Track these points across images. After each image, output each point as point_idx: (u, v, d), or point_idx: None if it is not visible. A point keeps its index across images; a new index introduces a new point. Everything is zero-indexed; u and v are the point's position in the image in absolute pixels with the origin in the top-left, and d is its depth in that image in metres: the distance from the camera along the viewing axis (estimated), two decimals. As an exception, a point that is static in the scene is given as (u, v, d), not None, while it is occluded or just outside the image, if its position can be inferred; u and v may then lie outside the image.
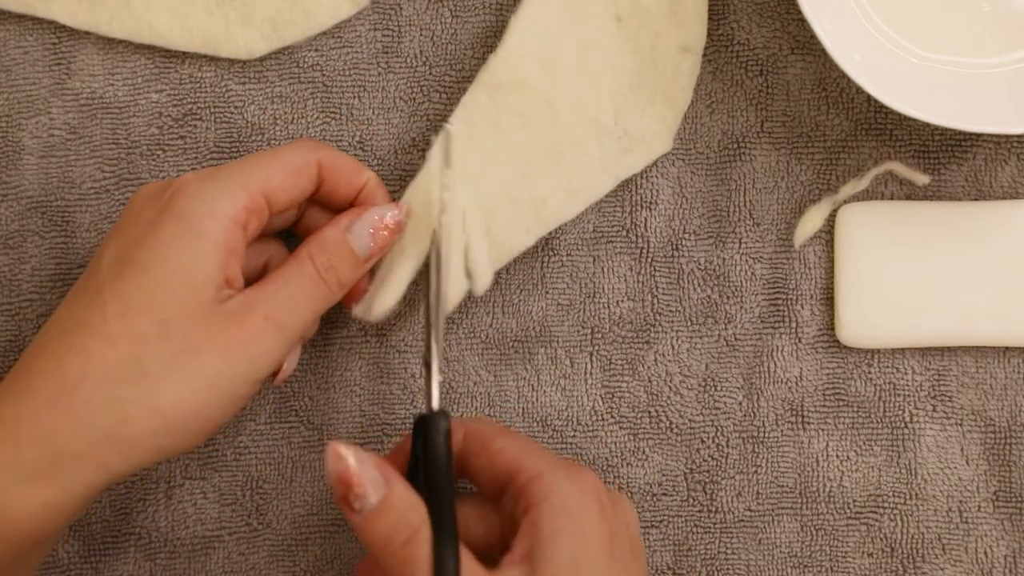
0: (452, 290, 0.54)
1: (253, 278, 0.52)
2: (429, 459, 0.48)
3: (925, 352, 0.57)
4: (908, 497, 0.57)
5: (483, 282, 0.54)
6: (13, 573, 0.47)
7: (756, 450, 0.57)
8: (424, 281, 0.53)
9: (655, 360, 0.57)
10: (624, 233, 0.57)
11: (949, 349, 0.57)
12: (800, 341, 0.57)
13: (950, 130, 0.56)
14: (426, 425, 0.48)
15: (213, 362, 0.47)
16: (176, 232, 0.48)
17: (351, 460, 0.45)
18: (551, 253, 0.57)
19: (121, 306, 0.47)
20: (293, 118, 0.57)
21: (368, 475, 0.46)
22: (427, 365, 0.50)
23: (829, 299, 0.57)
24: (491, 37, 0.57)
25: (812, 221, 0.56)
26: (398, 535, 0.46)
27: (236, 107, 0.57)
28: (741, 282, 0.57)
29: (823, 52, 0.54)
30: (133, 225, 0.49)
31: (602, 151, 0.55)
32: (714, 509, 0.57)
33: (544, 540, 0.46)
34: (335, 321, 0.57)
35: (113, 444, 0.47)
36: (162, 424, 0.47)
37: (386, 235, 0.52)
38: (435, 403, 0.49)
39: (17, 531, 0.46)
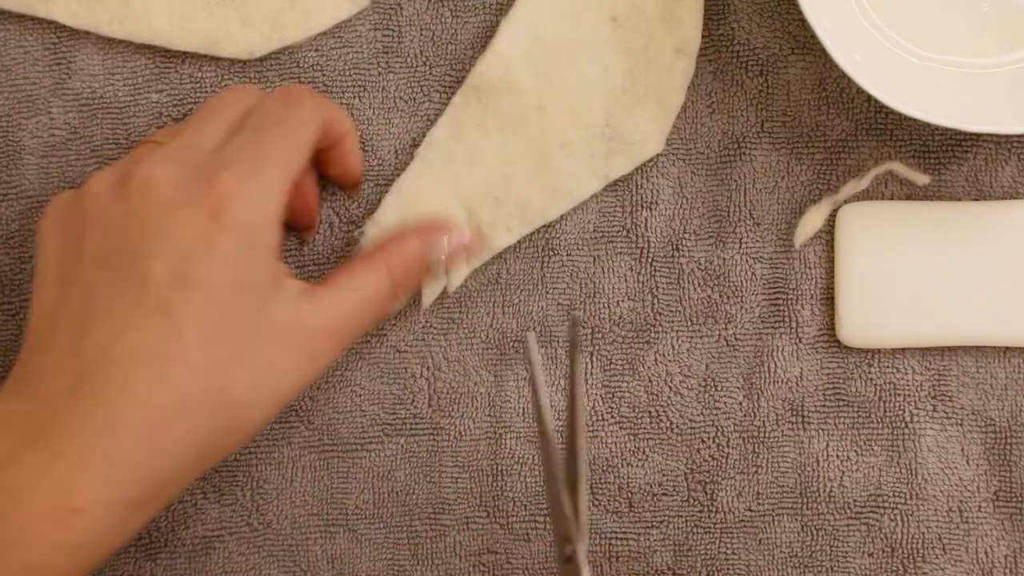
0: (428, 289, 0.56)
1: None
2: None
3: (925, 352, 0.57)
4: (908, 497, 0.57)
5: (456, 280, 0.56)
6: None
7: (756, 450, 0.57)
8: (545, 458, 0.49)
9: (655, 360, 0.57)
10: (624, 233, 0.57)
11: (949, 349, 0.57)
12: (800, 341, 0.57)
13: (950, 130, 0.56)
14: None
15: (288, 382, 0.48)
16: (237, 247, 0.47)
17: None
18: (551, 253, 0.57)
19: (198, 333, 0.46)
20: (293, 118, 0.57)
21: None
22: (567, 558, 0.46)
23: (829, 299, 0.57)
24: (491, 37, 0.57)
25: (812, 221, 0.56)
26: None
27: (236, 107, 0.57)
28: (741, 282, 0.57)
29: (823, 52, 0.54)
30: (179, 231, 0.47)
31: (591, 153, 0.55)
32: (714, 509, 0.57)
33: None
34: (335, 321, 0.57)
35: (199, 466, 0.47)
36: (239, 440, 0.48)
37: (458, 258, 0.54)
38: None
39: (104, 558, 0.46)
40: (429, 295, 0.56)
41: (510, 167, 0.55)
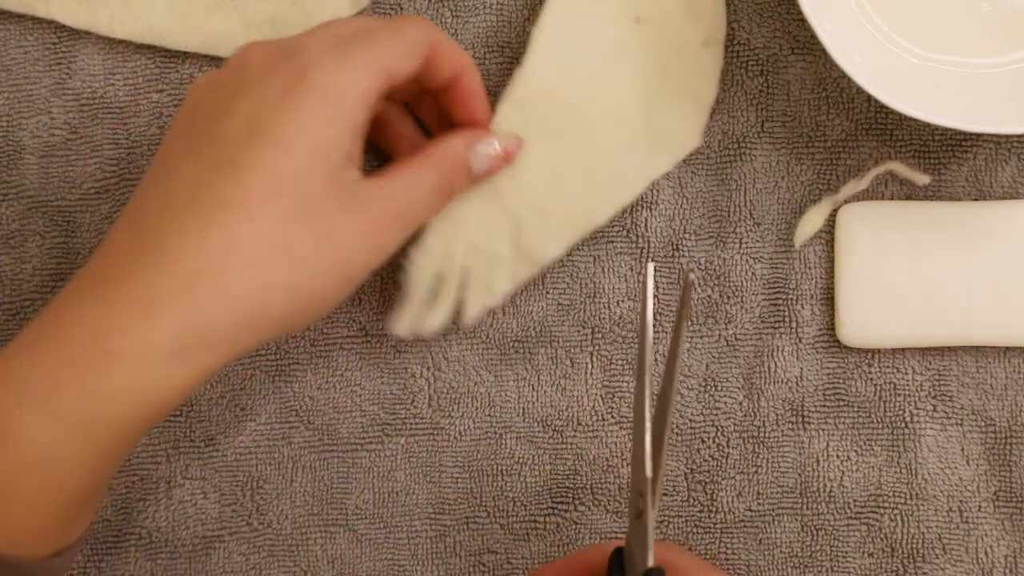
0: (472, 310, 0.55)
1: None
2: None
3: (925, 352, 0.57)
4: (908, 497, 0.57)
5: (494, 301, 0.55)
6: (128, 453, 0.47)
7: (756, 450, 0.57)
8: (636, 403, 0.47)
9: (656, 360, 0.57)
10: (624, 233, 0.57)
11: (949, 349, 0.57)
12: (800, 341, 0.57)
13: (950, 130, 0.56)
14: None
15: (351, 249, 0.47)
16: (316, 108, 0.46)
17: None
18: (551, 253, 0.57)
19: (264, 183, 0.45)
20: (293, 118, 0.57)
21: None
22: (637, 515, 0.45)
23: (829, 299, 0.57)
24: (491, 37, 0.57)
25: (812, 221, 0.56)
26: None
27: (236, 107, 0.57)
28: (741, 282, 0.57)
29: (823, 52, 0.54)
30: (259, 91, 0.47)
31: (633, 154, 0.55)
32: (714, 509, 0.57)
33: None
34: (335, 321, 0.57)
35: (253, 325, 0.45)
36: (300, 306, 0.46)
37: (501, 162, 0.53)
38: (650, 559, 0.44)
39: (153, 413, 0.45)
40: (473, 315, 0.55)
41: (555, 176, 0.54)
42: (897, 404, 0.57)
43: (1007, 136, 0.56)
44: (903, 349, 0.57)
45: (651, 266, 0.47)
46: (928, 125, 0.56)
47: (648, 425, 0.45)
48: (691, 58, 0.55)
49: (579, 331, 0.57)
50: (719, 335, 0.57)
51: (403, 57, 0.49)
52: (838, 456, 0.57)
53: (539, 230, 0.54)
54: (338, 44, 0.48)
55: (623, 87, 0.55)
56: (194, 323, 0.44)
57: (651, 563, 0.44)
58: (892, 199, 0.57)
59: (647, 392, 0.45)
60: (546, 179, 0.54)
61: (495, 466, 0.57)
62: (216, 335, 0.45)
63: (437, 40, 0.50)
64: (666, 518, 0.57)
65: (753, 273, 0.57)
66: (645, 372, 0.45)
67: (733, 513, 0.57)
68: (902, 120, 0.57)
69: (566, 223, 0.55)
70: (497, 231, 0.54)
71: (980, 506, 0.56)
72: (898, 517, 0.57)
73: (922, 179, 0.56)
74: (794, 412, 0.57)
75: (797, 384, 0.57)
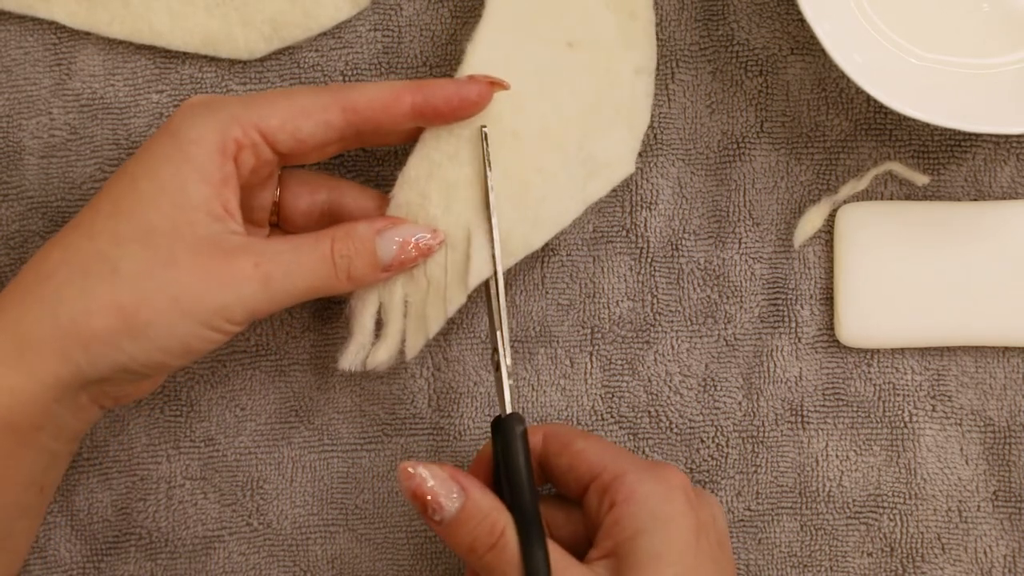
0: (412, 342, 0.53)
1: (315, 215, 0.53)
2: (508, 461, 0.49)
3: (925, 352, 0.57)
4: (908, 497, 0.57)
5: (417, 346, 0.53)
6: (9, 467, 0.48)
7: (756, 450, 0.57)
8: (484, 284, 0.52)
9: (655, 360, 0.57)
10: (624, 233, 0.57)
11: (949, 349, 0.57)
12: (800, 341, 0.57)
13: (950, 130, 0.56)
14: (501, 428, 0.49)
15: (188, 281, 0.47)
16: (166, 151, 0.49)
17: (423, 475, 0.47)
18: (551, 253, 0.57)
19: (111, 208, 0.48)
20: (293, 118, 0.57)
21: (442, 487, 0.47)
22: (497, 368, 0.51)
23: (829, 299, 0.57)
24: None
25: (812, 221, 0.57)
26: (482, 540, 0.47)
27: (236, 107, 0.57)
28: (741, 282, 0.57)
29: (823, 52, 0.54)
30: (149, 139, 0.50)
31: (568, 178, 0.54)
32: (714, 509, 0.57)
33: (629, 536, 0.47)
34: (334, 321, 0.57)
35: (76, 335, 0.47)
36: (124, 325, 0.47)
37: (413, 253, 0.51)
38: (508, 407, 0.50)
39: None
40: (413, 347, 0.53)
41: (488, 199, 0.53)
42: (896, 404, 0.57)
43: (1007, 136, 0.57)
44: (902, 349, 0.57)
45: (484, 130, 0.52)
46: (927, 125, 0.56)
47: (499, 290, 0.51)
48: (624, 85, 0.54)
49: (578, 331, 0.57)
50: (718, 335, 0.57)
51: (284, 116, 0.49)
52: (837, 456, 0.57)
53: (476, 252, 0.52)
54: (210, 98, 0.50)
55: (557, 110, 0.54)
56: (19, 327, 0.48)
57: (508, 410, 0.49)
58: (891, 199, 0.57)
59: (498, 261, 0.52)
60: (480, 202, 0.53)
61: (495, 466, 0.57)
62: (39, 340, 0.47)
63: (348, 102, 0.50)
64: (666, 518, 0.57)
65: (752, 273, 0.57)
66: (495, 242, 0.52)
67: (732, 513, 0.57)
68: (901, 120, 0.57)
69: (502, 245, 0.53)
70: (432, 258, 0.52)
71: (979, 506, 0.57)
72: (897, 517, 0.57)
73: (921, 179, 0.56)
74: (793, 412, 0.57)
75: (796, 384, 0.57)
